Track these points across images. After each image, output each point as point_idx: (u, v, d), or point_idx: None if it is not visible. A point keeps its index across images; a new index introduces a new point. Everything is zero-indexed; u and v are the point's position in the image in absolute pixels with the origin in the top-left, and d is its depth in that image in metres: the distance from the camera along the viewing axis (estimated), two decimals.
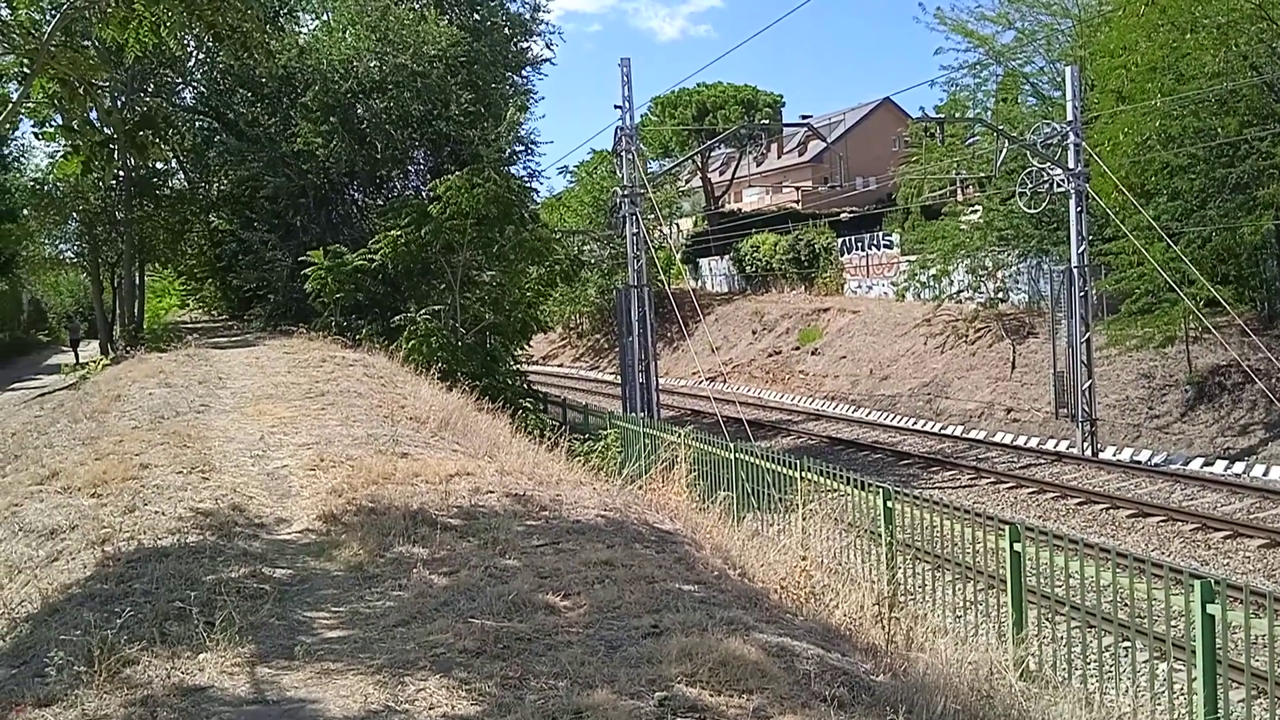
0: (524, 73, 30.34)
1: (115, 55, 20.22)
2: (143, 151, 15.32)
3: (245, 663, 4.94)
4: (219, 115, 29.07)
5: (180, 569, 6.24)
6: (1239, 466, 20.26)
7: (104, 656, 4.69)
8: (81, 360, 31.52)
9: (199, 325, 33.16)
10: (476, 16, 27.98)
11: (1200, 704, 6.74)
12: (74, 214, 31.05)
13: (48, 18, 10.34)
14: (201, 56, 28.35)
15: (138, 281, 33.50)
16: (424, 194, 24.91)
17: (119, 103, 25.04)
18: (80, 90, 9.87)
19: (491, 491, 8.17)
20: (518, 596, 5.62)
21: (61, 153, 24.16)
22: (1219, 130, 22.94)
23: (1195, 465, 20.79)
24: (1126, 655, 7.88)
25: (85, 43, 14.24)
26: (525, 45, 29.76)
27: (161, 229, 31.55)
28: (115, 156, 22.75)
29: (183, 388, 14.55)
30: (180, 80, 29.62)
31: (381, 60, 24.79)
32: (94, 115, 12.24)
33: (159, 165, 30.47)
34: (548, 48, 30.52)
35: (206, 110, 29.74)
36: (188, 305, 47.83)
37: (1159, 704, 7.31)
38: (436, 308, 21.79)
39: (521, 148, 29.20)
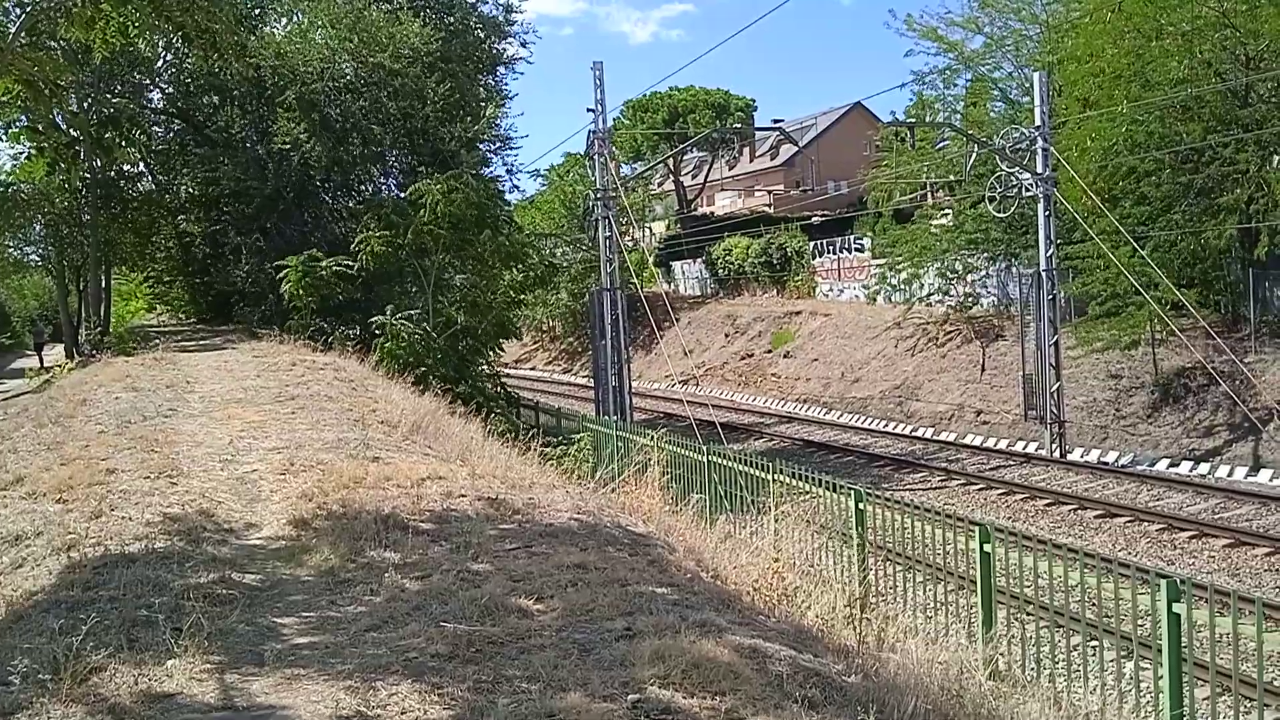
0: (498, 73, 30.33)
1: (82, 56, 19.98)
2: (108, 152, 15.16)
3: (214, 669, 4.88)
4: (188, 117, 28.80)
5: (148, 575, 6.16)
6: (1204, 467, 20.56)
7: (69, 664, 4.62)
8: (46, 364, 31.07)
9: (167, 329, 32.76)
10: (450, 19, 27.92)
11: (1166, 701, 6.83)
12: (39, 216, 30.60)
13: (12, 18, 10.21)
14: (170, 58, 28.07)
15: (104, 285, 33.06)
16: (400, 196, 24.82)
17: (86, 105, 24.74)
18: (46, 92, 9.74)
19: (464, 495, 8.14)
20: (490, 600, 5.60)
21: (26, 154, 23.88)
22: (1184, 136, 23.29)
23: (1161, 466, 21.07)
24: (1094, 654, 7.97)
25: (51, 43, 14.05)
26: (500, 47, 29.72)
27: (129, 232, 31.17)
28: (81, 158, 22.46)
29: (150, 392, 14.38)
30: (149, 82, 29.30)
31: (357, 61, 24.68)
32: (60, 117, 12.10)
33: (127, 168, 30.12)
34: (523, 47, 30.46)
35: (175, 112, 29.44)
36: (155, 309, 47.25)
37: (1126, 702, 7.39)
38: (411, 312, 21.71)
39: (498, 145, 29.22)
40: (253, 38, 22.82)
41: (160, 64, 28.49)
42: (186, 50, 20.27)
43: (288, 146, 24.39)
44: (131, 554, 6.64)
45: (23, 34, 9.30)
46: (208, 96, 27.54)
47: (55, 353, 35.74)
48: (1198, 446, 21.57)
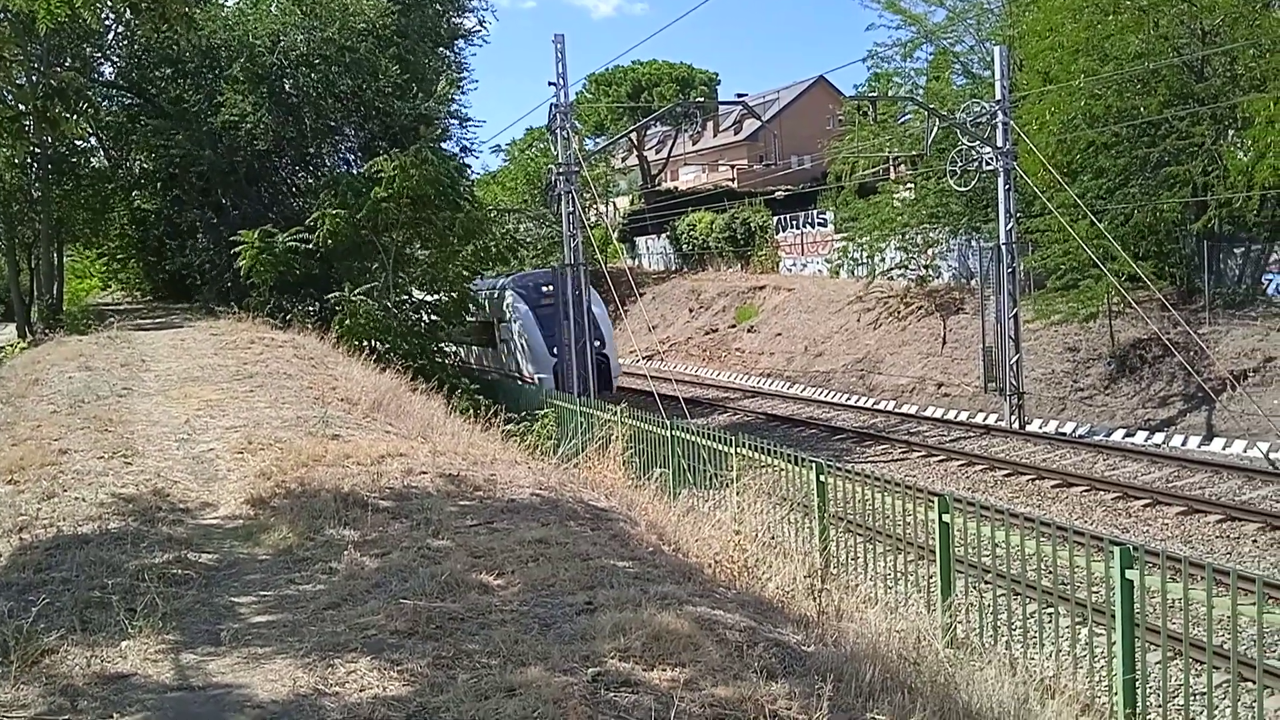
0: (456, 47, 29.94)
1: (28, 29, 19.42)
2: (54, 126, 14.72)
3: (169, 650, 4.83)
4: (140, 91, 28.19)
5: (101, 556, 6.08)
6: (1159, 437, 20.93)
7: (20, 646, 4.56)
8: None
9: (122, 307, 32.21)
10: None
11: (1119, 665, 6.97)
12: None
13: None
14: (121, 30, 27.42)
15: (57, 262, 32.38)
16: (358, 171, 24.51)
17: (34, 78, 24.09)
18: None
19: (424, 472, 8.10)
20: (450, 576, 5.59)
21: None
22: (1141, 110, 23.53)
23: (1117, 436, 21.42)
24: (1050, 620, 8.11)
25: None
26: (457, 21, 29.34)
27: (81, 208, 30.51)
28: (29, 132, 21.88)
29: (104, 371, 14.14)
30: (99, 55, 28.61)
31: (308, 34, 24.25)
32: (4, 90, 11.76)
33: (79, 143, 29.43)
34: (481, 24, 30.06)
35: (127, 85, 28.81)
36: (110, 287, 46.40)
37: (1080, 666, 7.53)
38: (371, 286, 21.48)
39: (454, 122, 28.90)
40: (199, 10, 22.27)
41: (111, 36, 27.83)
42: (136, 22, 19.76)
43: (236, 119, 23.94)
44: (84, 535, 6.55)
45: None
46: (160, 69, 26.96)
47: (6, 332, 34.98)
48: (1153, 417, 21.94)
